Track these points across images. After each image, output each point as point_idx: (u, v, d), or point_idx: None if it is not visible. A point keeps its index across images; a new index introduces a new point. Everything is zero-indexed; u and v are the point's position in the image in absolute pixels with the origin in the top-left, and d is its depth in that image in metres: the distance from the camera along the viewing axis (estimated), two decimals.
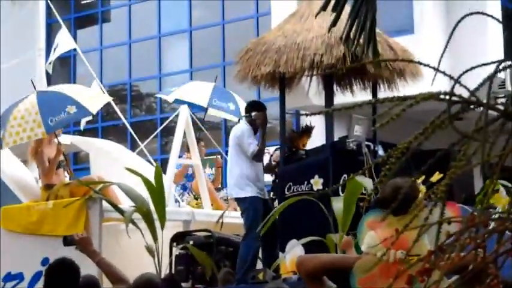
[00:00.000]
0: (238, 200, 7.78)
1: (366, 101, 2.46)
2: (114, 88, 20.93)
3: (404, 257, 3.33)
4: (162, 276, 7.34)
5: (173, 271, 7.69)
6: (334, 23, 3.78)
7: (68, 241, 5.88)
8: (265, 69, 7.52)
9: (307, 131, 8.22)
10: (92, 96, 8.17)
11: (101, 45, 21.34)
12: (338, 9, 3.73)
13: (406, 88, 7.44)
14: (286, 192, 7.57)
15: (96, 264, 5.49)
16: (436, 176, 5.15)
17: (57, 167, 8.01)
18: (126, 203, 7.76)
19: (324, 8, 3.99)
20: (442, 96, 2.32)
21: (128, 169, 7.49)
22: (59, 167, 8.02)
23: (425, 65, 2.27)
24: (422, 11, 14.84)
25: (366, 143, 7.53)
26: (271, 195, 7.89)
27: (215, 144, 10.69)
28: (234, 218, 8.37)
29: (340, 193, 7.20)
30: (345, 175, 7.23)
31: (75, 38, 21.58)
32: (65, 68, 21.65)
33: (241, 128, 7.79)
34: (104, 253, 7.31)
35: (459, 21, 2.46)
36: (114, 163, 8.80)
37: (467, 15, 2.41)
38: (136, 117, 20.72)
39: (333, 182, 7.20)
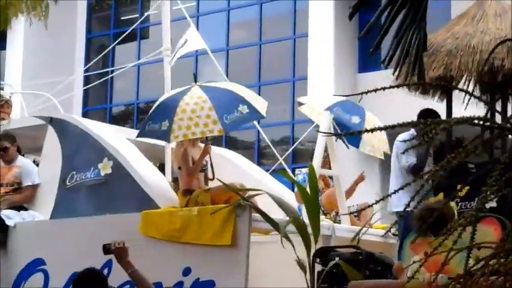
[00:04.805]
0: (396, 215, 7.22)
1: (413, 122, 2.41)
2: (150, 104, 20.56)
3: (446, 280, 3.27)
4: None
5: None
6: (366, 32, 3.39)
7: (106, 250, 5.81)
8: (434, 73, 6.92)
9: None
10: (256, 97, 7.53)
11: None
12: (386, 24, 3.34)
13: None
14: None
15: (129, 275, 5.57)
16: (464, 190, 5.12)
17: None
18: None
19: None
20: (476, 121, 2.32)
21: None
22: (201, 171, 7.35)
23: (460, 90, 2.50)
24: None
25: None
26: None
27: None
28: (373, 235, 7.77)
29: None
30: None
31: (113, 53, 21.22)
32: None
33: (403, 137, 7.19)
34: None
35: (495, 48, 3.06)
36: (234, 170, 8.22)
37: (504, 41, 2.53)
38: None
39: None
